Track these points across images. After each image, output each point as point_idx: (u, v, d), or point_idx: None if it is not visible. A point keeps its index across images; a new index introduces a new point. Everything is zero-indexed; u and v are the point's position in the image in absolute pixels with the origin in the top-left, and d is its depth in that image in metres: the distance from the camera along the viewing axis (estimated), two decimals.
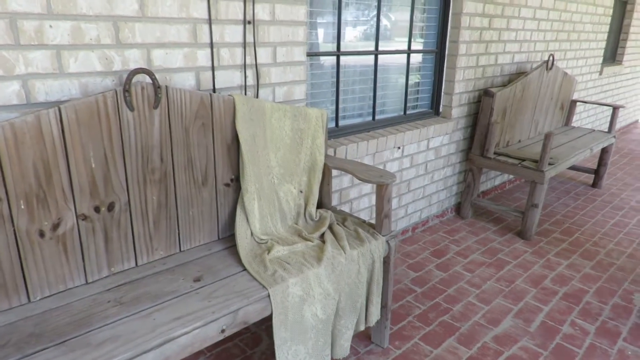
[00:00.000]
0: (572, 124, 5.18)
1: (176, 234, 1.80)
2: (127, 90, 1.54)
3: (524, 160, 3.27)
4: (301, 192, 2.12)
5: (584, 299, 2.57)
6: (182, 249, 1.83)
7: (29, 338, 1.31)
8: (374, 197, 2.91)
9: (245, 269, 1.70)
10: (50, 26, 1.48)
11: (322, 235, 1.97)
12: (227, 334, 1.48)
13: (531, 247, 3.17)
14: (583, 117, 5.56)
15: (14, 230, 1.40)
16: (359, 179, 1.97)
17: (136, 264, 1.71)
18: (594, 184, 4.39)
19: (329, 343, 1.83)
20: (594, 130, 4.29)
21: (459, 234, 3.35)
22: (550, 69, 3.83)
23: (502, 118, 3.46)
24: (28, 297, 1.47)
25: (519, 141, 3.82)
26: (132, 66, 1.68)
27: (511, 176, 4.40)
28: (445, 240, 3.23)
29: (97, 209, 1.56)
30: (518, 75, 3.91)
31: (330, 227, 2.01)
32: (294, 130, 2.07)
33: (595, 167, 5.06)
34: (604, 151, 4.24)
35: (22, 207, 1.40)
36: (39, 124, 1.38)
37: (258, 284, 1.61)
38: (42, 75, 1.49)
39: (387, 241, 1.97)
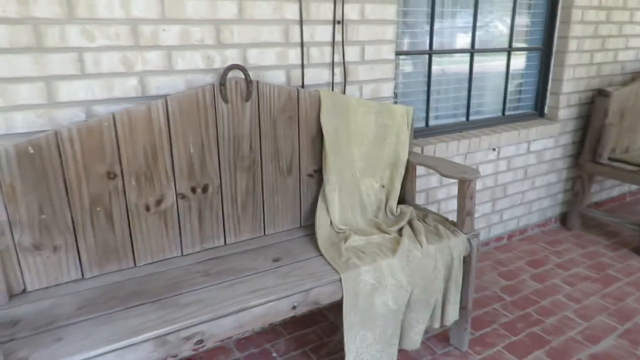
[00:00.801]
0: None
1: (261, 219, 1.95)
2: (222, 84, 1.72)
3: None
4: (383, 186, 2.15)
5: None
6: (266, 233, 1.98)
7: (131, 295, 1.53)
8: None
9: (321, 255, 1.79)
10: (164, 30, 1.72)
11: (401, 230, 1.97)
12: (298, 311, 1.57)
13: None
14: None
15: (126, 203, 1.64)
16: (441, 174, 1.95)
17: (225, 242, 1.88)
18: None
19: (397, 333, 1.83)
20: None
21: (562, 245, 3.09)
22: None
23: (620, 121, 3.13)
24: (134, 262, 1.71)
25: None
26: (230, 64, 1.87)
27: (633, 187, 3.93)
28: (545, 251, 3.00)
29: (193, 190, 1.76)
30: None
31: (410, 222, 2.01)
32: (378, 125, 2.12)
33: None
34: None
35: (133, 183, 1.63)
36: (149, 112, 1.61)
37: (331, 269, 1.68)
38: (155, 72, 1.74)
39: (468, 239, 1.91)
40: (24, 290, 1.54)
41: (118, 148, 1.58)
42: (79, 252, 1.60)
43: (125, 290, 1.56)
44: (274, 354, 2.08)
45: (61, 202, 1.52)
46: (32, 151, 1.44)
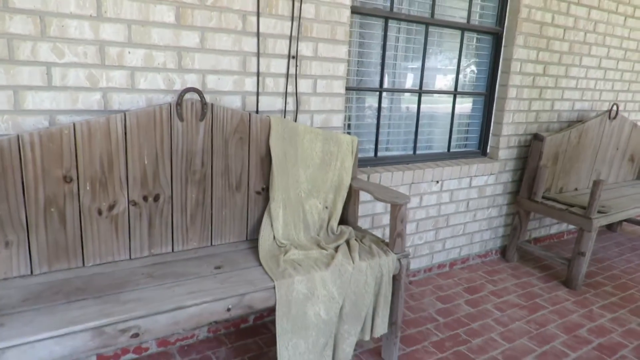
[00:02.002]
0: None
1: (209, 230, 2.09)
2: (179, 104, 1.90)
3: (572, 206, 3.19)
4: (326, 207, 2.33)
5: (619, 353, 2.43)
6: (213, 243, 2.12)
7: (75, 290, 1.64)
8: (407, 225, 3.03)
9: (261, 265, 1.94)
10: (129, 52, 1.90)
11: (338, 247, 2.14)
12: (233, 313, 1.71)
13: (575, 296, 3.04)
14: None
15: (80, 206, 1.77)
16: (376, 199, 2.14)
17: (172, 249, 2.02)
18: None
19: (331, 345, 1.97)
20: None
21: (499, 275, 3.31)
22: (614, 118, 3.73)
23: (554, 163, 3.43)
24: (83, 262, 1.82)
25: (576, 189, 3.71)
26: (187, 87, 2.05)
27: (571, 226, 4.23)
28: (482, 279, 3.22)
29: (145, 198, 1.90)
30: (581, 123, 3.85)
31: (348, 241, 2.19)
32: (324, 152, 2.32)
33: None
34: None
35: (88, 188, 1.77)
36: (108, 124, 1.77)
37: (268, 277, 1.83)
38: (118, 89, 1.90)
39: (398, 259, 2.10)
40: None
41: (76, 155, 1.72)
42: (29, 249, 1.71)
43: (71, 286, 1.67)
44: None
45: (17, 201, 1.65)
46: None
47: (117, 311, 1.51)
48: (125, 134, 1.81)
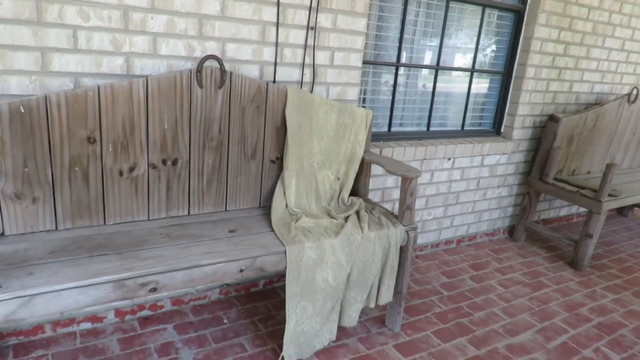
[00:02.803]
0: None
1: (224, 195, 2.16)
2: (199, 70, 1.95)
3: (583, 188, 3.20)
4: (338, 178, 2.39)
5: (619, 331, 2.49)
6: (227, 209, 2.19)
7: (97, 246, 1.73)
8: (417, 200, 3.07)
9: (273, 231, 2.01)
10: (152, 18, 1.93)
11: (348, 217, 2.21)
12: (245, 274, 1.79)
13: (580, 277, 3.09)
14: None
15: (102, 166, 1.85)
16: (387, 171, 2.19)
17: (189, 212, 2.10)
18: None
19: (337, 310, 2.06)
20: None
21: (505, 253, 3.36)
22: (633, 102, 3.69)
23: (568, 145, 3.42)
24: (104, 220, 1.91)
25: (589, 172, 3.71)
26: (208, 54, 2.09)
27: (580, 209, 4.24)
28: (488, 257, 3.27)
29: (164, 162, 1.97)
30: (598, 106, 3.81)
31: (357, 212, 2.25)
32: (338, 124, 2.36)
33: None
34: None
35: (110, 149, 1.84)
36: (131, 88, 1.83)
37: (279, 242, 1.90)
38: (140, 55, 1.95)
39: (406, 231, 2.15)
40: (2, 234, 1.73)
41: (100, 117, 1.79)
42: (55, 206, 1.80)
43: (93, 242, 1.76)
44: (225, 320, 2.29)
45: (44, 159, 1.73)
46: (23, 110, 1.64)
47: (137, 266, 1.60)
48: (147, 98, 1.87)
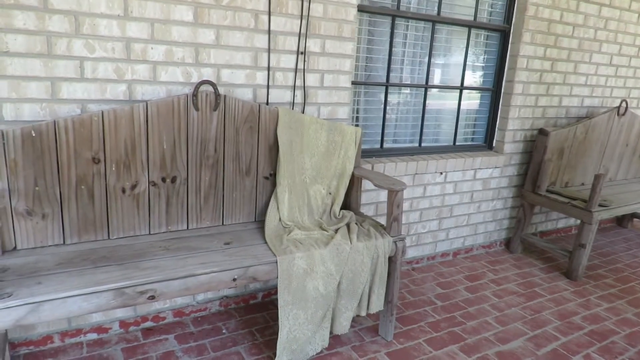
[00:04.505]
0: None
1: (221, 210, 2.30)
2: (195, 95, 2.11)
3: (575, 199, 3.28)
4: (330, 193, 2.51)
5: (610, 338, 2.53)
6: (224, 223, 2.32)
7: (101, 258, 1.86)
8: (409, 214, 3.17)
9: (266, 243, 2.13)
10: (152, 48, 2.11)
11: (339, 230, 2.32)
12: (239, 283, 1.91)
13: (574, 287, 3.14)
14: None
15: (106, 184, 2.00)
16: (375, 185, 2.31)
17: (187, 227, 2.23)
18: None
19: (328, 318, 2.15)
20: None
21: (501, 265, 3.42)
22: (623, 115, 3.78)
23: (559, 158, 3.51)
24: (108, 235, 2.05)
25: (582, 184, 3.78)
26: (203, 79, 2.26)
27: (579, 221, 4.29)
28: (484, 268, 3.34)
29: (163, 179, 2.12)
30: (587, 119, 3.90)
31: (348, 224, 2.36)
32: (329, 141, 2.49)
33: None
34: None
35: (113, 169, 2.00)
36: (132, 112, 1.99)
37: (271, 253, 2.02)
38: (141, 81, 2.12)
39: (394, 242, 2.26)
40: (15, 248, 1.88)
41: (104, 139, 1.95)
42: (62, 221, 1.94)
43: (97, 255, 1.90)
44: (224, 331, 2.39)
45: (53, 178, 1.88)
46: (34, 134, 1.81)
47: (136, 275, 1.73)
48: (147, 121, 2.03)
